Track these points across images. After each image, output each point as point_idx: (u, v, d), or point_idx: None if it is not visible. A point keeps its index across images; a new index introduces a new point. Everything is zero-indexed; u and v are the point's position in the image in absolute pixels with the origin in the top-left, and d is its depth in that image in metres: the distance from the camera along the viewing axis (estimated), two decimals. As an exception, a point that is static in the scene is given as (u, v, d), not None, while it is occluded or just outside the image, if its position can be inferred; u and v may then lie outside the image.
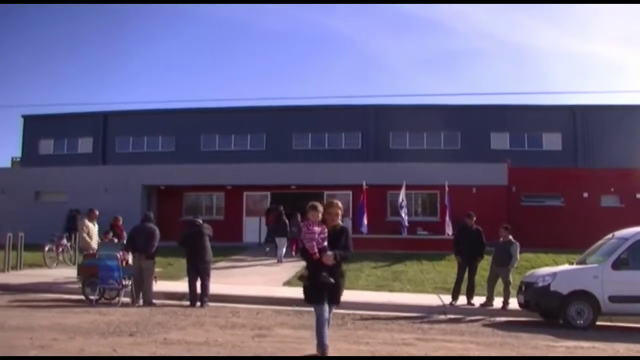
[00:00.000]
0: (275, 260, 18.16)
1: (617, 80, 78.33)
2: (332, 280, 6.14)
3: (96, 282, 11.41)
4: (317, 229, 6.16)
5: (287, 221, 19.18)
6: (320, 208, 6.29)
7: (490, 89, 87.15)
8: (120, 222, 16.69)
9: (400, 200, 20.81)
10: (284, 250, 18.69)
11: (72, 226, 23.15)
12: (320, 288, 6.21)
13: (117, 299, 11.36)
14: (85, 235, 13.95)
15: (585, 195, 23.39)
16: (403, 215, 20.85)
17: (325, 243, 6.14)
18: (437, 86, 78.16)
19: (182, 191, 26.17)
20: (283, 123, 34.94)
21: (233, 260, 18.30)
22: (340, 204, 6.55)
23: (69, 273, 14.57)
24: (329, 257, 6.09)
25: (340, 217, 6.46)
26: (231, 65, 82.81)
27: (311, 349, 7.13)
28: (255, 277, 15.21)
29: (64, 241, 17.77)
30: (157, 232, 11.74)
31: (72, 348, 6.76)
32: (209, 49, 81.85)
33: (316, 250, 6.09)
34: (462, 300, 12.15)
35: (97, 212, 14.60)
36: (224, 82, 79.29)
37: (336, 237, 6.29)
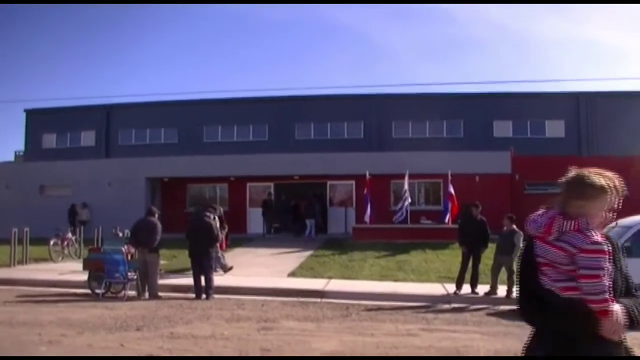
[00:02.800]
0: (282, 250, 18.65)
1: (622, 67, 77.90)
2: None
3: (102, 276, 11.52)
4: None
5: (316, 205, 22.81)
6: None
7: (493, 77, 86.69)
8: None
9: (404, 191, 20.85)
10: (312, 230, 22.19)
11: (73, 220, 23.44)
12: None
13: (123, 292, 11.46)
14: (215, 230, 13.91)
15: (589, 182, 23.29)
16: (405, 204, 20.86)
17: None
18: (440, 75, 77.81)
19: (185, 183, 26.25)
20: (285, 113, 34.93)
21: (237, 251, 18.38)
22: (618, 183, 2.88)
23: (74, 267, 14.68)
24: (618, 318, 2.53)
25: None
26: (232, 56, 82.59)
27: (316, 342, 7.21)
28: (260, 268, 15.28)
29: (69, 235, 17.88)
30: (159, 225, 11.80)
31: (80, 343, 6.85)
32: (210, 40, 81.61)
33: (608, 295, 2.53)
34: (466, 289, 12.20)
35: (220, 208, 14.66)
36: (225, 73, 79.11)
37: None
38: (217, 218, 13.65)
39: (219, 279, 12.51)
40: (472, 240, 12.42)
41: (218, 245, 13.69)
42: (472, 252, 12.38)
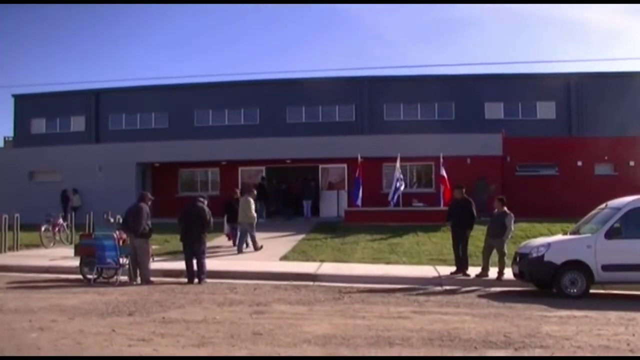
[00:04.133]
0: (274, 233, 18.61)
1: (612, 48, 77.93)
2: None
3: (94, 261, 11.48)
4: None
5: (312, 187, 23.26)
6: None
7: (485, 58, 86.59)
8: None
9: (397, 174, 20.82)
10: (309, 210, 22.71)
11: (65, 206, 23.34)
12: None
13: (115, 277, 11.44)
14: (253, 211, 15.35)
15: (580, 163, 23.43)
16: (397, 187, 20.83)
17: None
18: (431, 56, 77.68)
19: (177, 167, 26.12)
20: (276, 97, 34.76)
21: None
22: None
23: (66, 252, 14.63)
24: None
25: None
26: (223, 40, 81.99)
27: (308, 325, 7.23)
28: (252, 252, 15.28)
29: (60, 221, 17.80)
30: (145, 211, 11.65)
31: (71, 329, 6.80)
32: (200, 24, 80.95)
33: None
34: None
35: (255, 191, 16.52)
36: (216, 57, 78.60)
37: None
38: (251, 200, 15.41)
39: (211, 263, 12.49)
40: (457, 222, 12.48)
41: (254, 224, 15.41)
42: (456, 234, 12.48)
